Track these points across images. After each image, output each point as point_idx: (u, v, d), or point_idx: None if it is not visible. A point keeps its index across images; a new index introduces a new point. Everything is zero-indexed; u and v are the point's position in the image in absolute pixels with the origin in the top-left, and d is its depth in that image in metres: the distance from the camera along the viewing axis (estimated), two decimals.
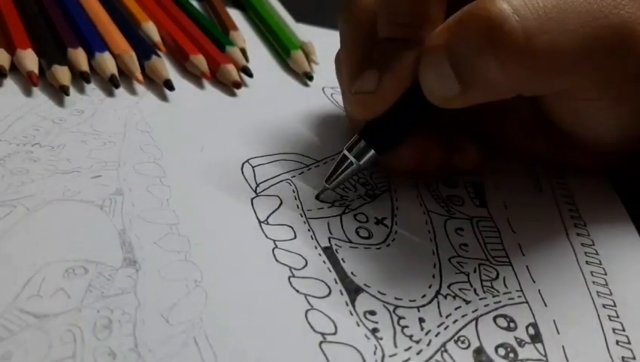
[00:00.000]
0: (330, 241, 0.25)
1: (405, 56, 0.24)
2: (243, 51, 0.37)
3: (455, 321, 0.22)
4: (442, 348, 0.21)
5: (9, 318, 0.19)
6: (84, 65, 0.31)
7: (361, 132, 0.26)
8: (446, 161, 0.28)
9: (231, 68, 0.34)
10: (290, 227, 0.25)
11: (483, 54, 0.22)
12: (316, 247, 0.24)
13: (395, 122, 0.25)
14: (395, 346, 0.21)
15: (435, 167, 0.28)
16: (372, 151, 0.25)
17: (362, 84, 0.25)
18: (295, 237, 0.25)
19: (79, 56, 0.31)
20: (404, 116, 0.25)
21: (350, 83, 0.26)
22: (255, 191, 0.27)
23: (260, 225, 0.25)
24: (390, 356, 0.21)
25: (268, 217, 0.25)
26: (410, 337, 0.21)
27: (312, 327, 0.21)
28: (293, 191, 0.27)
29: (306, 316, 0.21)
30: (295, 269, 0.23)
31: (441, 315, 0.23)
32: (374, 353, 0.21)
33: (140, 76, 0.32)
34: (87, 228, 0.23)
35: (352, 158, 0.26)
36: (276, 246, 0.24)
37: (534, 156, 0.31)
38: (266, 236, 0.24)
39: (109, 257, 0.22)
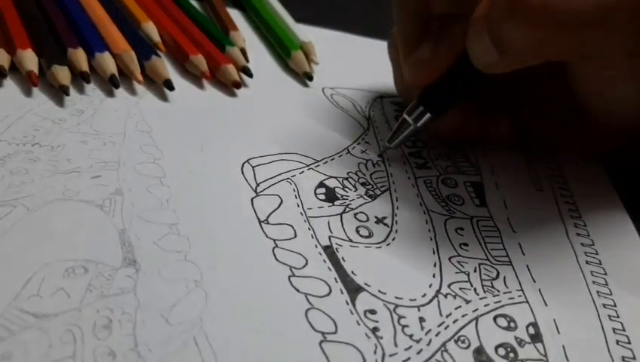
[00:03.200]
0: (330, 240, 0.25)
1: (456, 28, 0.28)
2: (243, 51, 0.37)
3: (455, 321, 0.22)
4: (442, 348, 0.21)
5: (9, 318, 0.19)
6: (84, 65, 0.31)
7: (419, 98, 0.29)
8: (481, 130, 0.32)
9: (231, 68, 0.34)
10: (291, 226, 0.25)
11: (507, 21, 0.24)
12: (316, 246, 0.24)
13: (448, 88, 0.29)
14: (396, 345, 0.21)
15: (471, 134, 0.32)
16: (428, 115, 0.29)
17: (419, 53, 0.29)
18: (295, 236, 0.25)
19: (79, 56, 0.31)
20: (455, 82, 0.29)
21: (408, 54, 0.29)
22: (255, 191, 0.27)
23: (260, 225, 0.25)
24: (390, 355, 0.21)
25: (268, 217, 0.25)
26: (411, 336, 0.21)
27: (312, 326, 0.21)
28: (294, 191, 0.27)
29: (306, 315, 0.21)
30: (295, 268, 0.23)
31: (441, 315, 0.23)
32: (374, 352, 0.21)
33: (139, 76, 0.32)
34: (87, 228, 0.23)
35: (410, 121, 0.29)
36: (276, 246, 0.24)
37: (552, 139, 0.32)
38: (266, 235, 0.24)
39: (109, 257, 0.22)
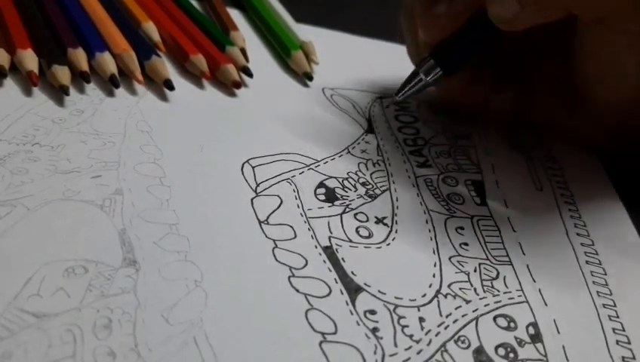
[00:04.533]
0: (330, 241, 0.25)
1: None
2: (243, 51, 0.37)
3: (455, 321, 0.22)
4: (442, 348, 0.21)
5: (9, 318, 0.19)
6: (84, 65, 0.31)
7: (432, 52, 0.29)
8: (485, 99, 0.32)
9: (231, 68, 0.34)
10: (291, 227, 0.25)
11: None
12: (316, 247, 0.24)
13: (461, 44, 0.29)
14: (396, 346, 0.21)
15: (475, 101, 0.32)
16: (438, 70, 0.29)
17: (435, 8, 0.29)
18: (295, 236, 0.25)
19: (79, 56, 0.31)
20: (469, 38, 0.29)
21: (424, 10, 0.30)
22: (255, 191, 0.27)
23: (260, 225, 0.25)
24: (390, 355, 0.21)
25: (268, 217, 0.25)
26: (411, 336, 0.21)
27: (312, 327, 0.21)
28: (294, 191, 0.27)
29: (306, 315, 0.21)
30: (295, 269, 0.23)
31: (441, 315, 0.23)
32: (374, 352, 0.21)
33: (139, 76, 0.32)
34: (87, 228, 0.23)
35: (421, 75, 0.29)
36: (276, 246, 0.24)
37: (547, 121, 0.33)
38: (266, 236, 0.24)
39: (109, 257, 0.22)
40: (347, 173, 0.29)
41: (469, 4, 0.29)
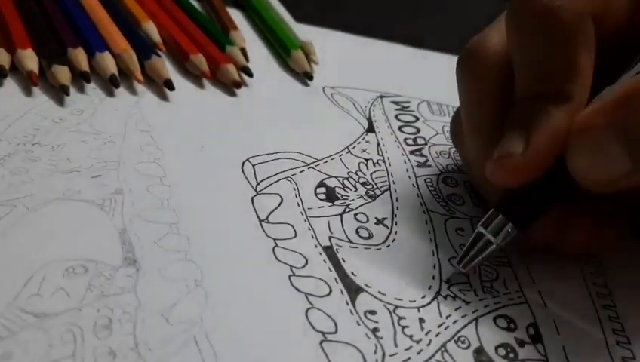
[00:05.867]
0: (330, 241, 0.25)
1: (556, 114, 0.22)
2: (243, 51, 0.37)
3: (455, 321, 0.22)
4: (442, 348, 0.21)
5: (9, 318, 0.19)
6: (84, 65, 0.31)
7: (499, 206, 0.23)
8: (593, 236, 0.25)
9: (231, 68, 0.34)
10: (291, 226, 0.25)
11: None
12: (316, 246, 0.24)
13: (539, 193, 0.23)
14: (396, 346, 0.21)
15: (579, 243, 0.25)
16: (511, 228, 0.23)
17: (508, 145, 0.22)
18: (295, 235, 0.25)
19: (79, 55, 0.31)
20: (549, 187, 0.23)
21: (486, 146, 0.24)
22: (255, 190, 0.27)
23: (261, 224, 0.25)
24: (391, 355, 0.21)
25: (268, 216, 0.25)
26: (411, 337, 0.21)
27: (312, 326, 0.21)
28: (294, 189, 0.27)
29: (306, 315, 0.21)
30: (295, 268, 0.23)
31: (441, 316, 0.23)
32: (375, 352, 0.21)
33: (139, 76, 0.32)
34: (88, 228, 0.23)
35: (489, 236, 0.23)
36: (277, 245, 0.24)
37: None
38: (267, 234, 0.24)
39: (109, 256, 0.22)
40: (347, 173, 0.29)
41: (555, 138, 0.22)
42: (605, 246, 0.26)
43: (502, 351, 0.22)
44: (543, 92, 0.23)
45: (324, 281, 0.23)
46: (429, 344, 0.21)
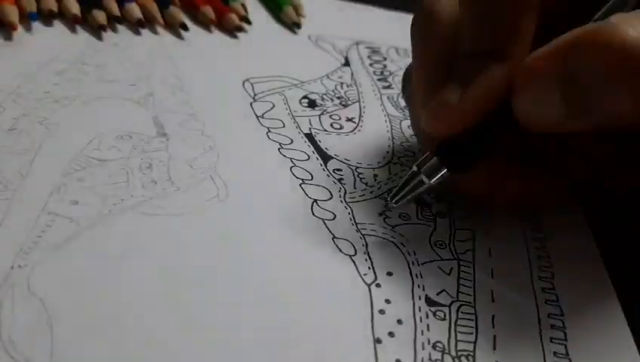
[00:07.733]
0: (310, 130, 0.33)
1: (494, 71, 0.23)
2: (243, 6, 0.45)
3: (400, 178, 0.30)
4: (389, 192, 0.29)
5: (79, 160, 0.27)
6: (116, 12, 0.39)
7: (437, 150, 0.25)
8: (526, 189, 0.26)
9: (234, 16, 0.42)
10: (280, 120, 0.33)
11: (612, 83, 0.21)
12: (299, 133, 0.32)
13: (474, 141, 0.24)
14: (355, 188, 0.29)
15: (513, 195, 0.26)
16: (444, 170, 0.25)
17: (444, 95, 0.24)
18: (284, 126, 0.33)
19: (111, 4, 0.40)
20: (485, 135, 0.24)
21: (428, 97, 0.25)
22: (253, 98, 0.35)
23: (258, 119, 0.33)
24: (350, 193, 0.29)
25: (263, 114, 0.33)
26: (366, 184, 0.29)
27: (294, 176, 0.29)
28: (283, 100, 0.35)
29: (291, 170, 0.29)
30: (283, 144, 0.31)
31: (390, 173, 0.30)
32: (339, 190, 0.29)
33: (160, 20, 0.40)
34: (129, 115, 0.31)
35: (422, 176, 0.25)
36: (269, 131, 0.32)
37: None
38: (261, 124, 0.32)
39: (147, 131, 0.30)
40: (326, 90, 0.37)
41: (489, 93, 0.23)
42: (534, 200, 0.28)
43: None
44: (483, 50, 0.24)
45: (304, 152, 0.31)
46: (379, 188, 0.29)
